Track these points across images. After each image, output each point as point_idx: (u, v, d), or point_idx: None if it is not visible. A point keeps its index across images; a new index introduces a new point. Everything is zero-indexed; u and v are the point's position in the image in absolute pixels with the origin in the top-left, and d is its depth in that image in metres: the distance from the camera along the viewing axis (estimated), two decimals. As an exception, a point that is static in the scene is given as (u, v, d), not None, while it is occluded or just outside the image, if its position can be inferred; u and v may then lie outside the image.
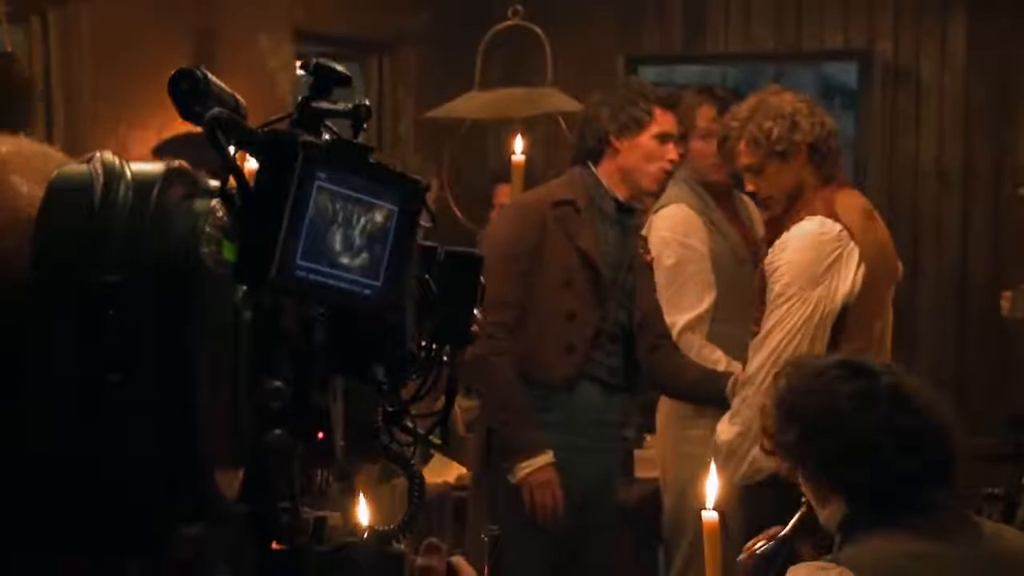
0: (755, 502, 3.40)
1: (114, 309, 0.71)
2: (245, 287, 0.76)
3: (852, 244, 3.38)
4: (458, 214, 4.87)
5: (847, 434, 2.20)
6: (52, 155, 0.80)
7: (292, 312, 0.81)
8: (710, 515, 2.39)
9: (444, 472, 4.43)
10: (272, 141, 0.78)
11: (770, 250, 3.44)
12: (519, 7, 4.93)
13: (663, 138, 3.67)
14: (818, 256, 3.36)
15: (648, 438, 4.59)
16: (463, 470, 4.31)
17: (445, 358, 0.99)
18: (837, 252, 3.36)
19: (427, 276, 0.96)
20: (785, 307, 3.35)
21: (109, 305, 0.71)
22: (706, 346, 3.96)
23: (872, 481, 2.17)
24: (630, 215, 3.75)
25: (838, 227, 3.38)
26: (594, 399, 3.68)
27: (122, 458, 0.72)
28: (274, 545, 0.87)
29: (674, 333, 3.93)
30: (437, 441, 1.05)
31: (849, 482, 2.19)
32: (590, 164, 3.71)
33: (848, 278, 3.37)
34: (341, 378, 0.87)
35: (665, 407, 4.19)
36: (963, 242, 5.96)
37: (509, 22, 4.97)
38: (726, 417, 3.47)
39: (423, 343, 0.96)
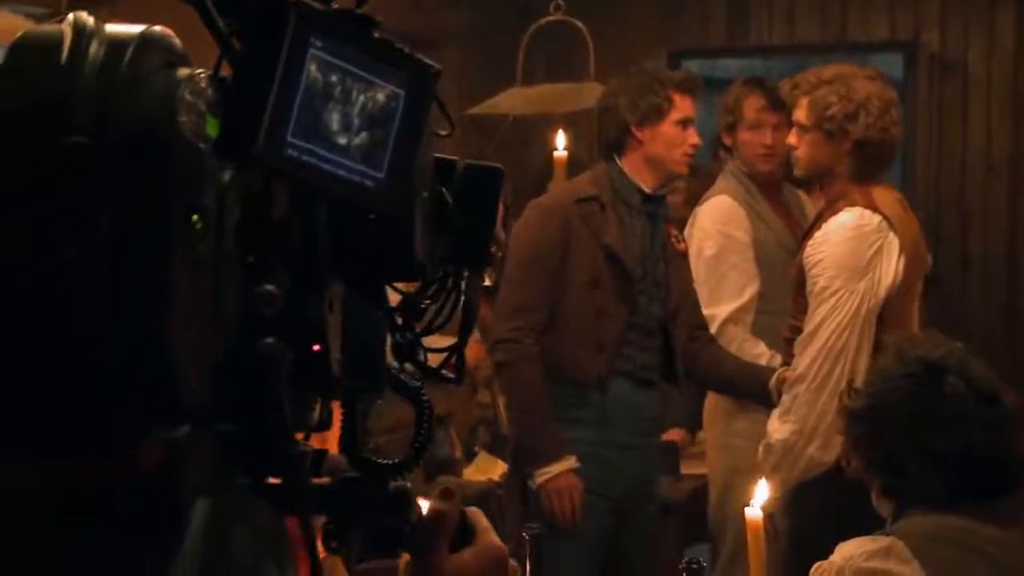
0: (804, 501, 3.37)
1: (77, 175, 0.64)
2: (231, 169, 0.69)
3: (892, 235, 3.34)
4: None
5: (913, 429, 2.21)
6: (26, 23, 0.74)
7: (284, 204, 0.74)
8: (754, 513, 2.37)
9: (489, 470, 4.42)
10: (262, 3, 0.70)
11: (809, 243, 3.41)
12: (561, 2, 4.92)
13: (684, 123, 3.63)
14: (860, 247, 3.32)
15: (698, 435, 4.57)
16: (505, 467, 4.31)
17: (462, 283, 0.91)
18: (878, 243, 3.33)
19: (443, 189, 0.88)
20: (832, 301, 3.31)
21: (72, 170, 0.64)
22: (748, 339, 3.93)
23: (934, 473, 2.18)
24: (658, 204, 3.71)
25: (878, 218, 3.34)
26: (628, 395, 3.65)
27: (77, 348, 0.64)
28: (269, 479, 0.79)
29: (715, 325, 3.90)
30: (449, 376, 0.96)
31: (911, 473, 2.20)
32: (615, 157, 3.68)
33: (890, 269, 3.33)
34: (340, 286, 0.80)
35: (712, 401, 4.17)
36: (1011, 232, 5.89)
37: (551, 17, 4.96)
38: (776, 415, 3.43)
39: (438, 265, 0.89)
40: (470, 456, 4.29)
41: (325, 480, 0.85)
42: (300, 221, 0.75)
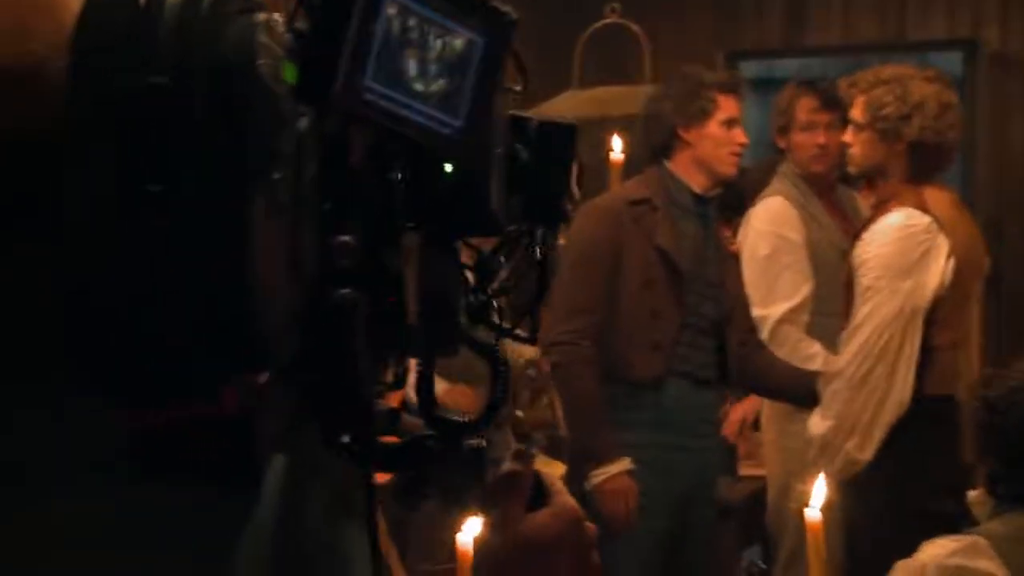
0: (853, 501, 3.36)
1: (160, 114, 0.63)
2: (309, 117, 0.69)
3: (941, 236, 3.32)
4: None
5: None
6: None
7: (361, 151, 0.74)
8: (813, 513, 2.36)
9: (548, 471, 4.44)
10: None
11: (858, 243, 3.41)
12: (616, 4, 4.93)
13: (730, 123, 3.65)
14: (906, 248, 3.30)
15: (756, 435, 4.56)
16: (564, 468, 4.32)
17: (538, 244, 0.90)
18: (926, 244, 3.31)
19: (517, 145, 0.87)
20: (875, 300, 3.30)
21: (155, 110, 0.63)
22: (803, 339, 3.92)
23: None
24: (709, 206, 3.72)
25: (927, 219, 3.32)
26: (684, 395, 3.65)
27: (159, 287, 0.64)
28: (343, 436, 0.77)
29: (769, 325, 3.91)
30: (523, 335, 0.94)
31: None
32: (663, 160, 3.70)
33: (938, 271, 3.31)
34: (416, 238, 0.79)
35: (769, 402, 4.16)
36: (1074, 233, 5.82)
37: (607, 20, 4.97)
38: (817, 411, 3.44)
39: (513, 222, 0.87)
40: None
41: (398, 440, 0.85)
42: (376, 170, 0.75)
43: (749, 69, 6.72)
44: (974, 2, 5.88)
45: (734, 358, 3.73)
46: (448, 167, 0.78)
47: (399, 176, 0.75)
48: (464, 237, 0.86)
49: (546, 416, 4.64)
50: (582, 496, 3.65)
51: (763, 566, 2.19)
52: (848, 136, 3.51)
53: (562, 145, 0.91)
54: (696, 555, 3.73)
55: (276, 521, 0.75)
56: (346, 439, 0.78)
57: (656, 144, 3.71)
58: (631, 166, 4.33)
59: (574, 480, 3.68)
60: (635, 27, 4.94)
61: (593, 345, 3.56)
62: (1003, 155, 5.89)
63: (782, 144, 4.30)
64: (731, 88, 3.70)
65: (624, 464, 3.56)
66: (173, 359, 0.65)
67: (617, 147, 4.14)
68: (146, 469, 0.70)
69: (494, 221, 0.84)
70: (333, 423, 0.77)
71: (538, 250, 0.92)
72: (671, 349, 3.62)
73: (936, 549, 2.18)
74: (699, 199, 3.68)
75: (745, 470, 4.48)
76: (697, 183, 3.67)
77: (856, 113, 3.46)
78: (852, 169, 3.54)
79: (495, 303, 0.89)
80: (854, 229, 4.08)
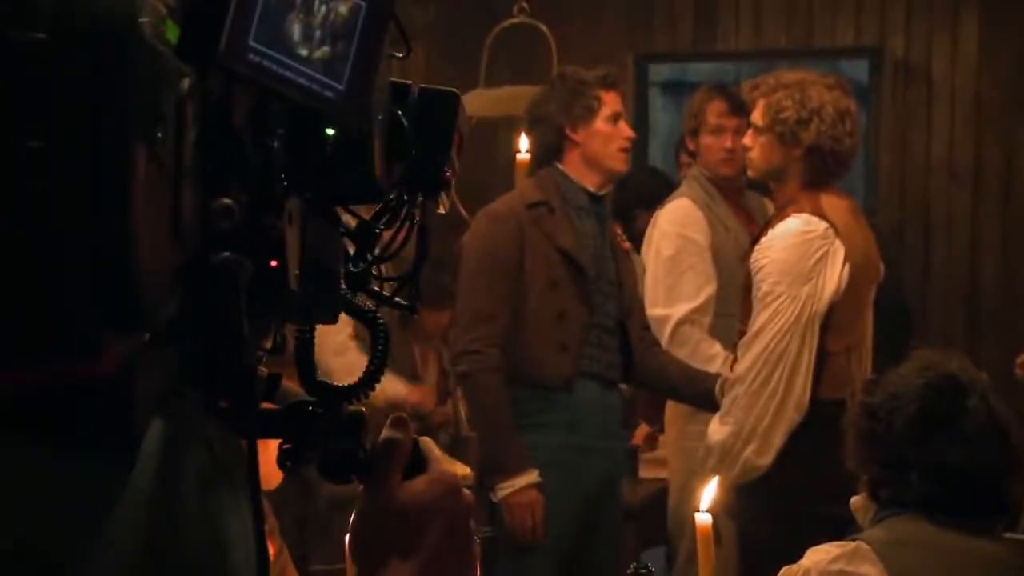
0: (748, 504, 3.39)
1: (40, 70, 0.63)
2: (191, 78, 0.68)
3: (837, 242, 3.36)
4: (462, 211, 4.84)
5: (927, 437, 2.26)
6: None
7: (243, 113, 0.74)
8: (704, 517, 2.37)
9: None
10: None
11: (755, 248, 3.43)
12: (524, 4, 4.92)
13: (615, 118, 3.69)
14: (804, 254, 3.34)
15: (660, 438, 4.58)
16: (467, 470, 4.31)
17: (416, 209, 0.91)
18: (823, 250, 3.34)
19: (398, 112, 0.88)
20: (774, 306, 3.33)
21: (33, 66, 0.63)
22: (705, 340, 3.96)
23: (932, 483, 2.23)
24: (603, 203, 3.75)
25: (823, 225, 3.36)
26: (594, 396, 3.66)
27: (42, 241, 0.63)
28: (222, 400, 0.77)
29: (670, 325, 3.95)
30: (404, 304, 0.96)
31: (911, 478, 2.25)
32: (554, 162, 3.72)
33: (834, 276, 3.35)
34: (298, 203, 0.79)
35: (671, 403, 4.19)
36: (973, 239, 5.92)
37: (514, 19, 4.96)
38: (716, 417, 3.46)
39: (394, 189, 0.88)
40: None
41: (277, 407, 0.85)
42: (258, 133, 0.75)
43: (662, 72, 6.76)
44: (880, 11, 5.96)
45: (638, 356, 3.74)
46: (330, 132, 0.79)
47: (280, 139, 0.76)
48: (346, 203, 0.86)
49: (449, 415, 4.63)
50: (490, 505, 3.64)
51: (651, 568, 2.18)
52: (748, 139, 3.54)
53: (444, 113, 0.92)
54: (602, 555, 3.74)
55: (152, 488, 0.72)
56: (226, 404, 0.77)
57: (546, 146, 3.73)
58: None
59: (482, 488, 3.66)
60: (542, 27, 4.94)
61: (500, 352, 3.56)
62: (906, 162, 5.98)
63: (692, 146, 4.35)
64: (612, 84, 3.74)
65: (532, 476, 3.56)
66: (50, 317, 0.64)
67: (523, 146, 4.14)
68: (16, 430, 0.68)
69: (376, 188, 0.85)
70: (213, 387, 0.77)
71: (418, 218, 0.92)
72: (579, 350, 3.63)
73: (819, 555, 2.19)
74: (594, 198, 3.71)
75: (645, 472, 4.50)
76: (590, 182, 3.69)
77: (757, 116, 3.48)
78: (751, 173, 3.57)
79: (375, 270, 0.90)
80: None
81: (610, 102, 3.69)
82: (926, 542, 2.20)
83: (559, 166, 3.71)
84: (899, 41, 5.95)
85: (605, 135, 3.66)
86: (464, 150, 0.95)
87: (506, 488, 3.56)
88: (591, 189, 3.69)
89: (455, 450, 4.40)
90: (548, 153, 3.72)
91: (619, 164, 3.72)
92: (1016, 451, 2.28)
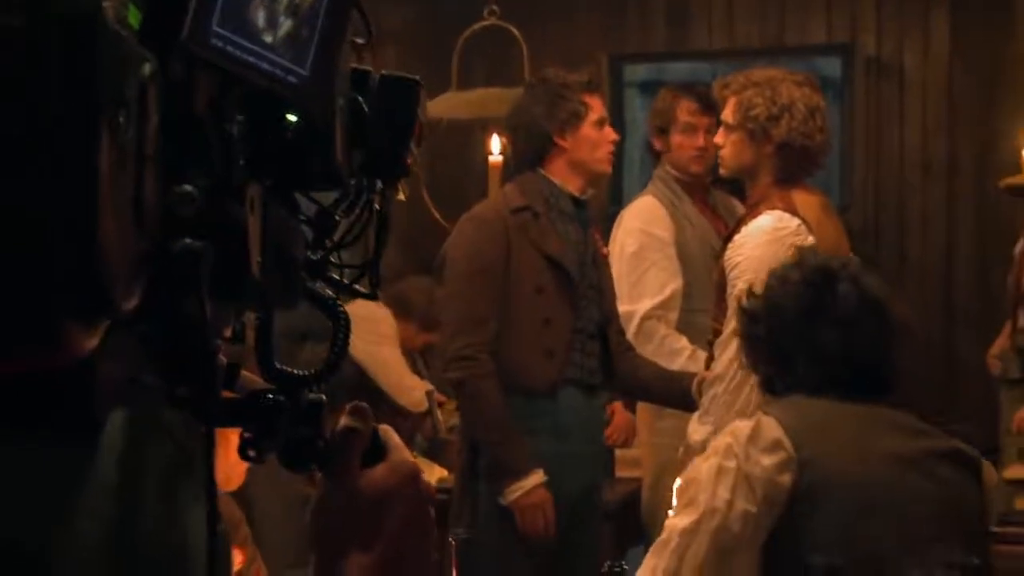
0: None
1: (13, 55, 0.63)
2: (152, 63, 0.68)
3: (810, 238, 3.37)
4: (436, 214, 4.85)
5: (802, 325, 2.44)
6: None
7: (205, 99, 0.73)
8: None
9: (426, 474, 4.42)
10: None
11: (728, 246, 3.44)
12: (495, 7, 4.92)
13: (601, 123, 3.68)
14: (777, 250, 3.34)
15: (635, 438, 4.58)
16: (444, 472, 4.31)
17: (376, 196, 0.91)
18: (796, 246, 3.35)
19: (359, 98, 0.88)
20: None
21: (9, 52, 0.63)
22: (670, 335, 3.97)
23: (816, 367, 2.41)
24: (586, 208, 3.74)
25: (796, 221, 3.37)
26: (578, 402, 3.65)
27: (4, 227, 0.63)
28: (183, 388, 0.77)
29: (635, 320, 3.95)
30: (364, 291, 0.96)
31: (796, 366, 2.44)
32: (537, 168, 3.68)
33: None
34: (259, 189, 0.79)
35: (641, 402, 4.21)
36: (948, 234, 5.95)
37: (485, 22, 4.96)
38: (696, 416, 3.46)
39: (353, 176, 0.88)
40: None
41: (237, 396, 0.85)
42: (219, 118, 0.75)
43: (637, 72, 6.75)
44: (851, 8, 5.98)
45: (615, 361, 3.75)
46: (292, 117, 0.79)
47: (242, 125, 0.75)
48: (306, 190, 0.86)
49: (427, 419, 4.62)
50: (475, 496, 3.63)
51: (625, 567, 2.18)
52: (719, 137, 3.55)
53: (404, 101, 0.93)
54: (582, 558, 3.73)
55: (114, 475, 0.72)
56: (186, 392, 0.77)
57: (530, 152, 3.70)
58: (511, 168, 4.34)
59: (464, 492, 3.64)
60: (513, 29, 4.93)
61: (491, 357, 3.55)
62: (879, 158, 6.00)
63: (659, 145, 4.34)
64: (595, 88, 3.73)
65: (538, 476, 3.54)
66: (11, 305, 0.64)
67: (496, 149, 4.14)
68: None
69: (337, 174, 0.85)
70: (174, 375, 0.76)
71: (377, 205, 0.92)
72: (565, 356, 3.61)
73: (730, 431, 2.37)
74: (577, 202, 3.69)
75: (621, 471, 4.51)
76: (575, 186, 3.67)
77: (727, 114, 3.50)
78: (723, 171, 3.58)
79: (333, 258, 0.90)
80: (727, 230, 4.13)
81: (595, 106, 3.67)
82: (827, 408, 2.38)
83: (542, 171, 3.67)
84: (870, 38, 5.97)
85: (593, 141, 3.64)
86: (424, 138, 0.95)
87: (516, 491, 3.54)
88: (575, 194, 3.67)
89: (433, 453, 4.40)
90: (531, 158, 3.70)
91: (604, 167, 3.72)
92: (890, 325, 2.45)
